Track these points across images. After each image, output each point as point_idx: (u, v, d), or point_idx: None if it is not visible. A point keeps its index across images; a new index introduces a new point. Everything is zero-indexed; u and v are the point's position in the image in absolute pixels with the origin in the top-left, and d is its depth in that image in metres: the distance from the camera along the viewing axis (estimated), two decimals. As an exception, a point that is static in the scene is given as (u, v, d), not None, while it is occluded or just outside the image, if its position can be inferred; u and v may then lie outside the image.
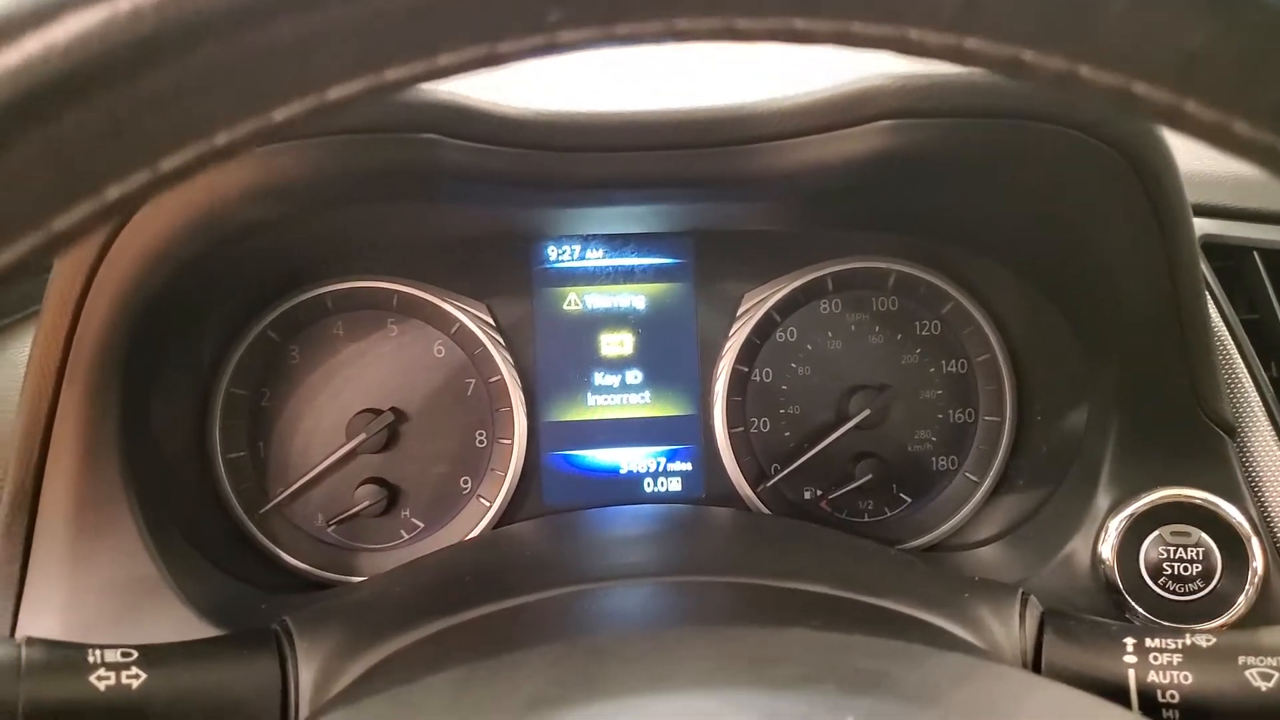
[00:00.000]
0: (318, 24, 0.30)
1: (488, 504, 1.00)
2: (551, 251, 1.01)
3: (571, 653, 0.50)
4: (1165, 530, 0.83)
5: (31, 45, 0.28)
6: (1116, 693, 0.62)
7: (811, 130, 0.70)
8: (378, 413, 0.98)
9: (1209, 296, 0.85)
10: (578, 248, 1.02)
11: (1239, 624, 0.80)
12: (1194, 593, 0.81)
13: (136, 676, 0.61)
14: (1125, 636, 0.64)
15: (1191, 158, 0.76)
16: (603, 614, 0.58)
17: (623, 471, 1.03)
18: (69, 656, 0.61)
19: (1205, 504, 0.82)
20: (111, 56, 0.29)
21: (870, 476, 1.01)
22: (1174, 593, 0.82)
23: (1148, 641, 0.63)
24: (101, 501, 0.78)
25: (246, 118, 0.31)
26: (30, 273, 0.32)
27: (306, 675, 0.64)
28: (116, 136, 0.30)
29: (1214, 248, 0.90)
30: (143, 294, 0.72)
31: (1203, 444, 0.83)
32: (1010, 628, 0.66)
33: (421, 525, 1.01)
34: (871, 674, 0.46)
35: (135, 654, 0.62)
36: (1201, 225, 0.89)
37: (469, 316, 0.99)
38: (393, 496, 1.00)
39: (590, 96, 0.70)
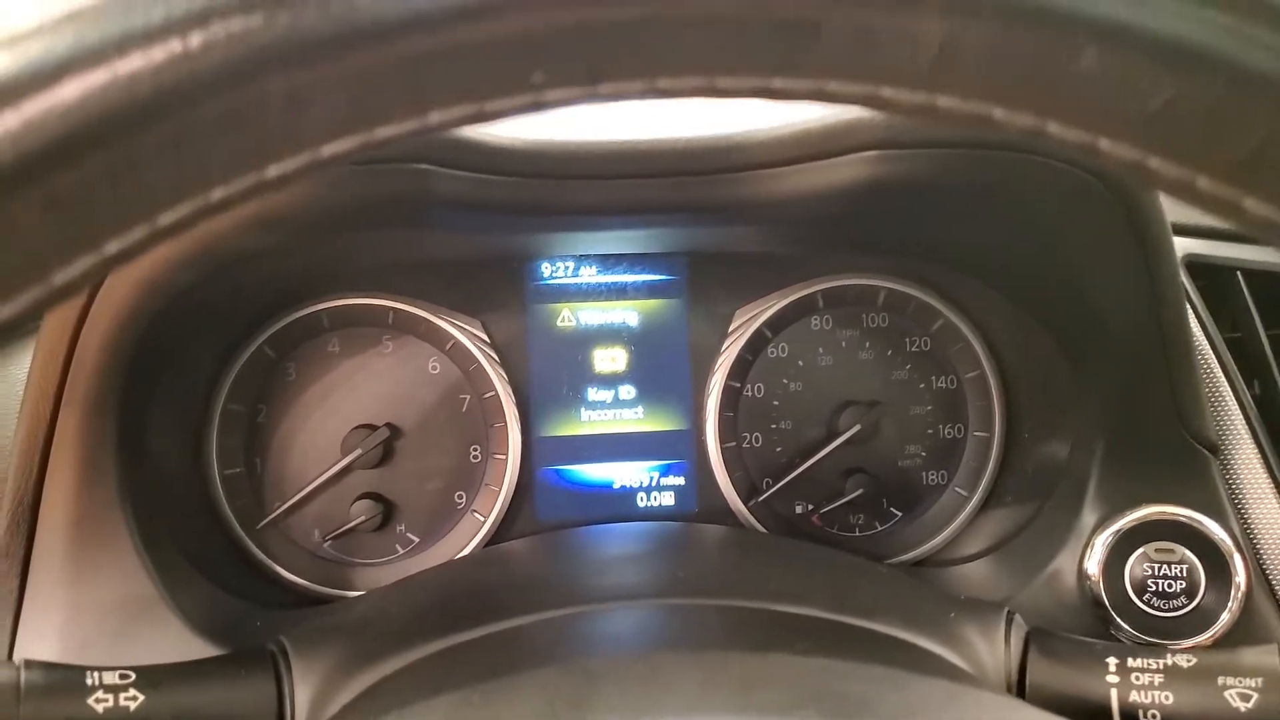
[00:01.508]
0: (309, 83, 0.31)
1: (482, 519, 1.00)
2: (545, 269, 1.02)
3: (563, 677, 0.51)
4: (1150, 547, 0.84)
5: (32, 108, 0.29)
6: (1100, 713, 0.63)
7: (798, 159, 0.71)
8: (373, 428, 0.99)
9: (1193, 315, 0.87)
10: (571, 265, 1.03)
11: (1223, 640, 0.81)
12: (1178, 609, 0.82)
13: (135, 698, 0.62)
14: (1108, 656, 0.65)
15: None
16: (595, 637, 0.59)
17: (616, 487, 1.04)
18: (67, 679, 0.61)
19: (1189, 521, 0.83)
20: (110, 118, 0.30)
21: (861, 491, 1.02)
22: (1158, 609, 0.83)
23: (1130, 661, 0.64)
24: (99, 521, 0.79)
25: (242, 174, 0.32)
26: (29, 323, 0.33)
27: (303, 695, 0.65)
28: (115, 194, 0.31)
29: (1198, 267, 0.91)
30: (139, 319, 0.73)
31: (1187, 462, 0.84)
32: (995, 647, 0.67)
33: (417, 540, 1.01)
34: (855, 699, 0.47)
35: (133, 675, 0.63)
36: (1185, 245, 0.90)
37: (464, 333, 1.00)
38: (388, 511, 1.00)
39: (581, 126, 0.71)
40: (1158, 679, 0.63)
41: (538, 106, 0.33)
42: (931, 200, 0.78)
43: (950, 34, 0.31)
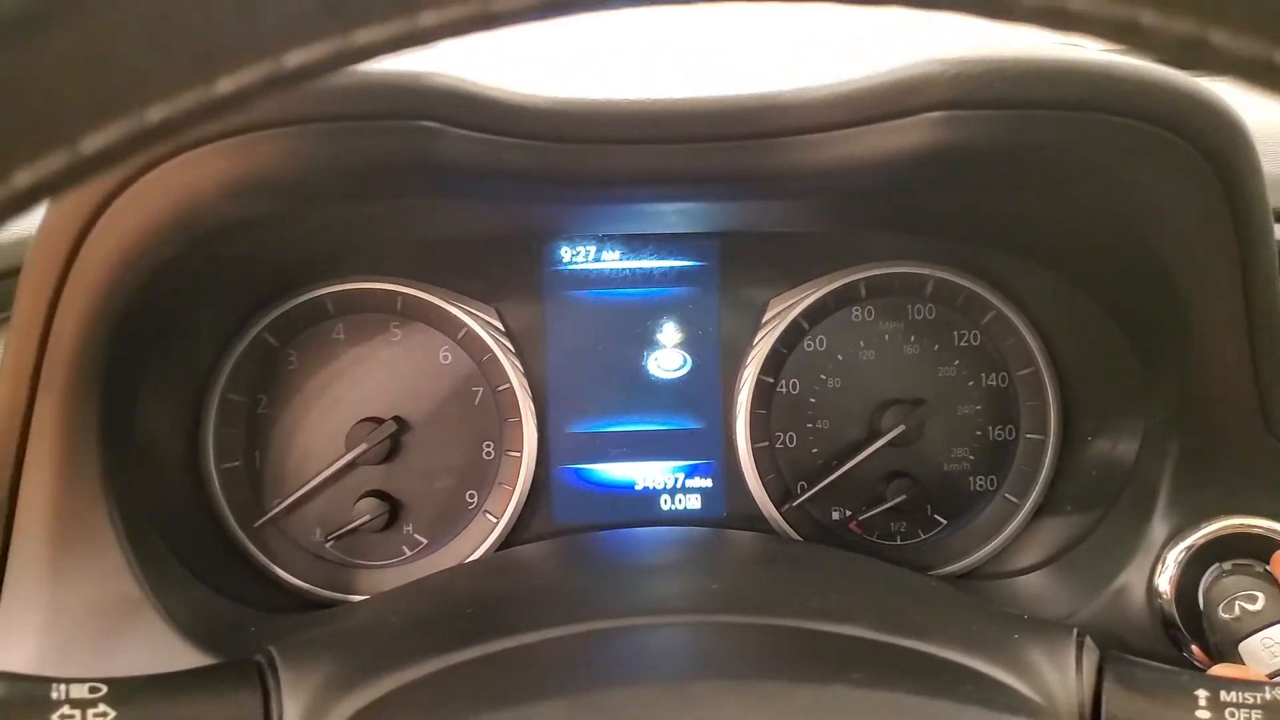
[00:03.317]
0: None
1: (494, 520, 0.95)
2: (565, 253, 0.96)
3: (580, 710, 0.44)
4: (1228, 564, 0.76)
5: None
6: (1187, 751, 0.56)
7: (852, 122, 0.63)
8: (379, 422, 0.93)
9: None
10: (593, 249, 0.96)
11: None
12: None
13: (104, 715, 0.56)
14: (1197, 688, 0.58)
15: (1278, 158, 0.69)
16: (617, 660, 0.52)
17: (638, 488, 0.98)
18: (30, 693, 0.56)
19: (1274, 535, 0.76)
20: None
21: (903, 497, 0.95)
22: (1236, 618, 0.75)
23: (1223, 695, 0.57)
24: (81, 516, 0.74)
25: (183, 88, 0.26)
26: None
27: (291, 713, 0.59)
28: (23, 107, 0.25)
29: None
30: (119, 296, 0.67)
31: (1271, 469, 0.77)
32: (1066, 675, 0.60)
33: (424, 541, 0.96)
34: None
35: (104, 689, 0.57)
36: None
37: (477, 321, 0.94)
38: (394, 511, 0.95)
39: (607, 83, 0.64)
40: (1256, 715, 0.56)
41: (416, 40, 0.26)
42: (996, 171, 0.70)
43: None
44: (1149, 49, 0.27)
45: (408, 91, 0.60)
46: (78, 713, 0.56)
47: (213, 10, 0.25)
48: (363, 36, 0.26)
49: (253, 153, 0.60)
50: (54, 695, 0.57)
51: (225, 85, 0.26)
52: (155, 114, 0.26)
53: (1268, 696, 0.57)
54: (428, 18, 0.26)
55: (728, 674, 0.48)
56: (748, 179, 0.68)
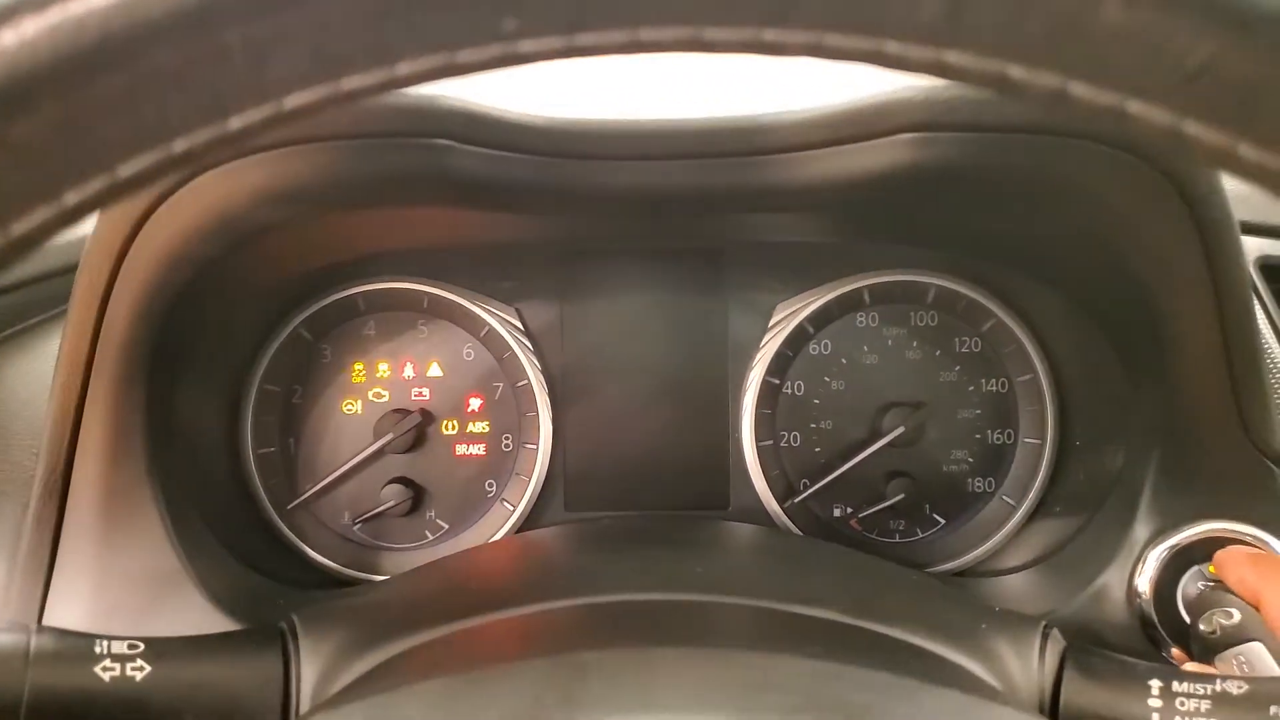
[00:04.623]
0: (268, 30, 0.29)
1: (511, 508, 1.00)
2: (581, 257, 1.01)
3: (557, 668, 0.49)
4: (1206, 566, 0.79)
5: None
6: (1138, 738, 0.59)
7: (831, 142, 0.68)
8: (406, 413, 0.98)
9: (1264, 319, 0.81)
10: (608, 254, 1.01)
11: None
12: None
13: (141, 669, 0.62)
14: (1151, 678, 0.61)
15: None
16: (597, 629, 0.57)
17: (647, 480, 1.02)
18: (77, 646, 0.62)
19: (1252, 540, 0.78)
20: (61, 63, 0.29)
21: (902, 496, 0.98)
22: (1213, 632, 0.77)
23: (1175, 685, 0.60)
24: (127, 493, 0.80)
25: (203, 125, 0.31)
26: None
27: (309, 674, 0.64)
28: (71, 143, 0.30)
29: (1273, 269, 0.85)
30: (164, 292, 0.73)
31: (1250, 476, 0.79)
32: (1028, 663, 0.63)
33: (446, 526, 1.01)
34: (858, 707, 0.44)
35: (141, 646, 0.63)
36: (1259, 245, 0.84)
37: (498, 320, 0.99)
38: (418, 497, 1.00)
39: (606, 105, 0.69)
40: (1205, 705, 0.59)
41: (512, 60, 0.31)
42: (977, 189, 0.73)
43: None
44: (1025, 99, 0.31)
45: (423, 112, 0.66)
46: (118, 665, 0.62)
47: (227, 65, 0.30)
48: (349, 84, 0.31)
49: (285, 165, 0.66)
50: (97, 650, 0.62)
51: (235, 123, 0.31)
52: (179, 146, 0.32)
53: (1218, 688, 0.60)
54: (403, 69, 0.31)
55: (690, 643, 0.53)
56: (735, 192, 0.72)
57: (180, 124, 0.31)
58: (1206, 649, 0.75)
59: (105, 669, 0.61)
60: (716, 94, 0.71)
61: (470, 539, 1.00)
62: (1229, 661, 0.72)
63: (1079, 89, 0.30)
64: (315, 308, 0.98)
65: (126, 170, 0.31)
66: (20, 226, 0.31)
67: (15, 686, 0.58)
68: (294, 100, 0.31)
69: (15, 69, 0.28)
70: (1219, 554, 0.75)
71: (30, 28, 0.28)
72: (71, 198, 0.31)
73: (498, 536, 0.99)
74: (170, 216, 0.68)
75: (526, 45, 0.31)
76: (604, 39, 0.31)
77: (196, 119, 0.31)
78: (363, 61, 0.31)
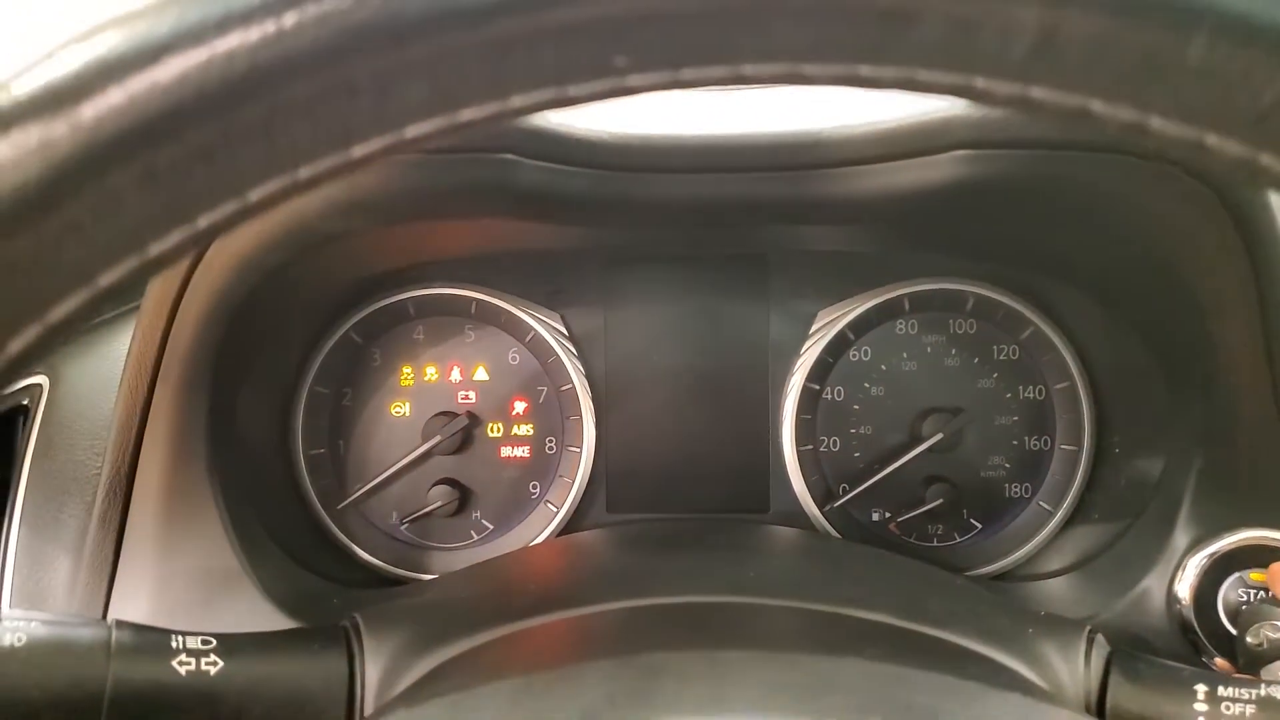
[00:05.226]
0: (396, 65, 0.31)
1: (555, 509, 1.01)
2: (625, 264, 1.03)
3: (626, 669, 0.51)
4: (1247, 573, 0.80)
5: (136, 85, 0.31)
6: (1185, 742, 0.60)
7: (885, 158, 0.69)
8: (453, 416, 1.01)
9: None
10: (653, 261, 1.03)
11: (1325, 675, 0.76)
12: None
13: (214, 664, 0.64)
14: (1197, 683, 0.62)
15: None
16: (661, 631, 0.59)
17: (689, 483, 1.03)
18: (155, 640, 0.64)
19: (1292, 548, 0.79)
20: (207, 96, 0.31)
21: (941, 501, 0.99)
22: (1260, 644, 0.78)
23: (1220, 690, 0.61)
24: (189, 494, 0.82)
25: (328, 154, 0.33)
26: (125, 291, 0.35)
27: (373, 672, 0.66)
28: (209, 170, 0.32)
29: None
30: (232, 298, 0.75)
31: (1291, 485, 0.80)
32: (1075, 667, 0.64)
33: (491, 527, 1.03)
34: (923, 709, 0.46)
35: (214, 642, 0.65)
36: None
37: (543, 326, 1.01)
38: (464, 498, 1.02)
39: (665, 120, 0.71)
40: (1250, 709, 0.60)
41: (620, 92, 0.33)
42: (1025, 203, 0.75)
43: (1049, 21, 0.30)
44: (1103, 130, 0.33)
45: (490, 128, 0.68)
46: (193, 660, 0.64)
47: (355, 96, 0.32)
48: (465, 115, 0.33)
49: (358, 177, 0.68)
50: (173, 644, 0.64)
51: (357, 151, 0.34)
52: (304, 173, 0.34)
53: (1263, 693, 0.61)
54: (516, 101, 0.33)
55: (756, 645, 0.55)
56: (791, 205, 0.74)
57: (308, 152, 0.33)
58: (1253, 661, 0.76)
59: (181, 663, 0.63)
60: (767, 108, 0.73)
61: (515, 539, 1.02)
62: (1276, 674, 0.73)
63: (1158, 123, 0.32)
64: (366, 312, 1.00)
65: (255, 195, 0.34)
66: (157, 247, 0.33)
67: (99, 679, 0.60)
68: (414, 130, 0.33)
69: (166, 100, 0.30)
70: (1274, 565, 0.77)
71: (181, 63, 0.30)
72: (204, 220, 0.34)
73: (542, 537, 1.01)
74: (243, 225, 0.70)
75: (634, 80, 0.32)
76: (707, 74, 0.32)
77: (323, 148, 0.33)
78: (481, 94, 0.33)
